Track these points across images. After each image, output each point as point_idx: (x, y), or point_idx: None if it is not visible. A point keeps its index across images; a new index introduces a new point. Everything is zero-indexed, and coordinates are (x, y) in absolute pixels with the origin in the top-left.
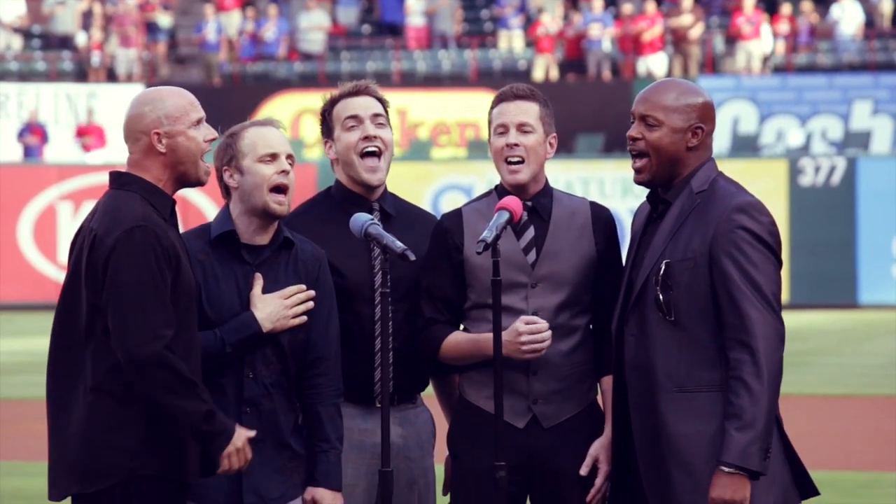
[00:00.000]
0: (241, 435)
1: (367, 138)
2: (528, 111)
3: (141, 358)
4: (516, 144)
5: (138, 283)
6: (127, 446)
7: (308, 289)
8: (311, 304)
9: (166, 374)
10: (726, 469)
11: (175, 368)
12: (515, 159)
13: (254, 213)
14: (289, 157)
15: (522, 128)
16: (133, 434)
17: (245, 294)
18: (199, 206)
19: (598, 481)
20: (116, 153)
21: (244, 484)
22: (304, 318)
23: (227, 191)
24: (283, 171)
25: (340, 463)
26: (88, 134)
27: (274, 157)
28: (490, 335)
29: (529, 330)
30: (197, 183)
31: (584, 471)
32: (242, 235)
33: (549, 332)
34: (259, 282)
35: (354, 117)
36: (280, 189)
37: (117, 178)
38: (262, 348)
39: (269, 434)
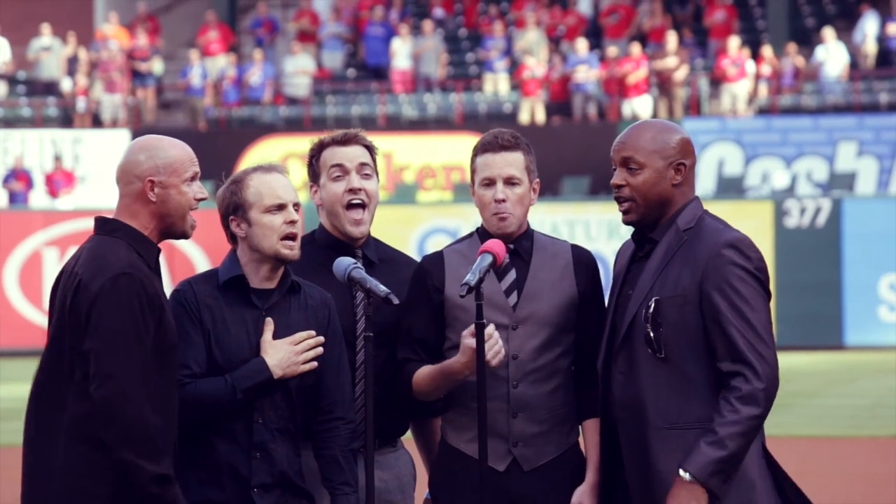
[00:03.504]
0: None
1: (351, 191)
2: (514, 163)
3: (113, 407)
4: (504, 200)
5: (122, 331)
6: (103, 493)
7: (319, 334)
8: (320, 349)
9: (133, 430)
10: (686, 477)
11: (144, 427)
12: (505, 214)
13: (263, 260)
14: (296, 205)
15: (510, 181)
16: (109, 481)
17: (254, 339)
18: (187, 253)
19: None
20: (90, 199)
21: None
22: (315, 363)
23: (233, 237)
24: (291, 221)
25: None
26: (55, 180)
27: (281, 207)
28: (454, 358)
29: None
30: (182, 236)
31: None
32: (251, 280)
33: (495, 335)
34: (270, 327)
35: (340, 167)
36: (290, 237)
37: (104, 225)
38: (271, 394)
39: (276, 477)
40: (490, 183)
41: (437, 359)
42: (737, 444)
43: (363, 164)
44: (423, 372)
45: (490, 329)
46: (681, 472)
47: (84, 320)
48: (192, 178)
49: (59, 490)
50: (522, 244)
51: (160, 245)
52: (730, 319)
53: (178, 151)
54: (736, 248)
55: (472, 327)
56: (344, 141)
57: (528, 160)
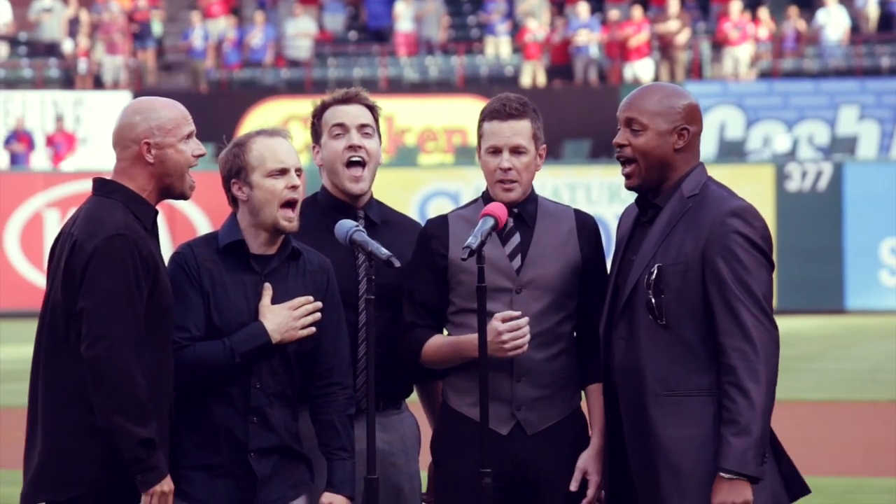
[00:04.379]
0: (170, 485)
1: (351, 147)
2: (520, 132)
3: (102, 367)
4: (510, 168)
5: (115, 291)
6: (97, 456)
7: (317, 300)
8: (318, 315)
9: (122, 392)
10: (725, 476)
11: (132, 389)
12: (509, 184)
13: (263, 227)
14: (298, 170)
15: (516, 150)
16: (103, 443)
17: (253, 303)
18: (189, 215)
19: (591, 492)
20: (91, 161)
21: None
22: (313, 329)
23: (234, 201)
24: (292, 187)
25: (355, 471)
26: (55, 142)
27: (284, 171)
28: (470, 336)
29: (508, 328)
30: (181, 196)
31: (573, 486)
32: (251, 245)
33: (527, 327)
34: (268, 292)
35: (341, 125)
36: (290, 204)
37: (101, 186)
38: (269, 359)
39: (273, 442)
40: (496, 151)
41: (441, 322)
42: (760, 425)
43: (363, 125)
44: (435, 343)
45: (523, 321)
46: (721, 473)
47: (78, 281)
48: (188, 136)
49: (53, 452)
50: (527, 208)
51: (159, 207)
52: (732, 290)
53: (171, 111)
54: (740, 217)
55: (503, 314)
56: (345, 100)
57: (535, 127)
